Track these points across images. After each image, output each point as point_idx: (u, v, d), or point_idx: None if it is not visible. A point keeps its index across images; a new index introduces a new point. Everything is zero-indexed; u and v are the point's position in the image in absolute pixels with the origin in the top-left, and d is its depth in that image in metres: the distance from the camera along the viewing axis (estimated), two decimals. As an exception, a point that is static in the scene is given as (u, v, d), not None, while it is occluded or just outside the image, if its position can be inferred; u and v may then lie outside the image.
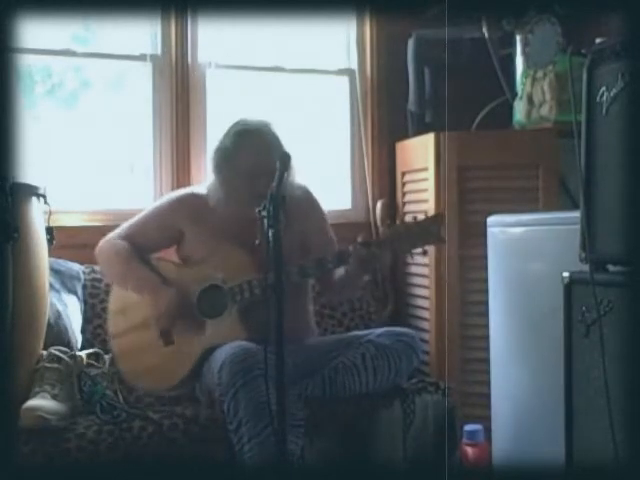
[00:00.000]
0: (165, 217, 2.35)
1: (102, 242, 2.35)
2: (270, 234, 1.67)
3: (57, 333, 2.27)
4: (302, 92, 3.13)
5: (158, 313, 2.21)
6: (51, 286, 2.27)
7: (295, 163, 2.24)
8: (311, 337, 2.40)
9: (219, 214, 2.28)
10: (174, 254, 2.39)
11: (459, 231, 2.66)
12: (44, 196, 2.15)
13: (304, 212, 2.34)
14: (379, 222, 3.02)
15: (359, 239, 2.15)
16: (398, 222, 2.18)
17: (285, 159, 1.82)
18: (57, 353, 2.10)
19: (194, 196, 2.36)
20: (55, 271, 2.39)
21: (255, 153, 2.23)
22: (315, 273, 2.23)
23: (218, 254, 2.24)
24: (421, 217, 2.15)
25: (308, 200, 2.41)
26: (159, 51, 2.85)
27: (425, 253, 2.17)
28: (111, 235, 2.35)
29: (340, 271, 2.29)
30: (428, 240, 2.12)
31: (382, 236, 2.19)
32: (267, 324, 1.65)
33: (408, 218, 2.19)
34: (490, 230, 2.32)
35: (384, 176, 3.10)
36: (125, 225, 2.38)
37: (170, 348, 2.23)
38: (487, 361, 2.35)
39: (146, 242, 2.33)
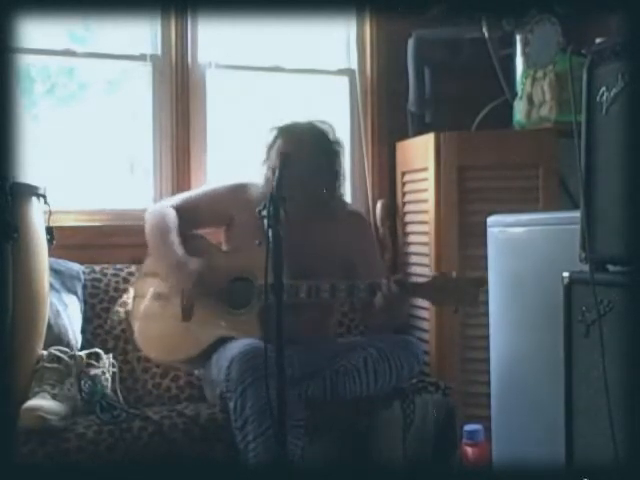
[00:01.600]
0: (219, 200, 2.42)
1: (153, 207, 2.42)
2: (270, 234, 1.67)
3: (57, 333, 2.28)
4: (302, 92, 3.13)
5: (181, 289, 2.25)
6: (51, 286, 2.27)
7: (343, 183, 2.38)
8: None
9: None
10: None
11: (459, 231, 2.66)
12: (44, 196, 2.15)
13: (355, 239, 2.41)
14: (379, 222, 3.02)
15: (395, 276, 2.16)
16: (439, 273, 2.16)
17: (285, 159, 1.82)
18: (57, 353, 2.10)
19: (248, 187, 2.39)
20: (55, 271, 2.39)
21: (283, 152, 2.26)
22: (343, 296, 2.22)
23: (257, 249, 2.24)
24: (467, 276, 2.15)
25: (360, 225, 2.48)
26: (159, 51, 2.85)
27: (456, 311, 2.15)
28: (164, 201, 2.44)
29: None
30: (464, 300, 2.10)
31: (419, 282, 2.20)
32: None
33: (451, 273, 2.15)
34: (490, 230, 2.32)
35: (384, 176, 3.10)
36: (181, 196, 2.47)
37: (187, 324, 2.26)
38: (487, 361, 2.35)
39: (195, 217, 2.40)
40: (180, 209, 2.38)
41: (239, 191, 2.40)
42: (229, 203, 2.40)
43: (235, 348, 2.07)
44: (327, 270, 2.26)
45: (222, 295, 2.25)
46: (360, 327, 2.75)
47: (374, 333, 2.56)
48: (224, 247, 2.43)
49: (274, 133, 2.32)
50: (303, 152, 2.24)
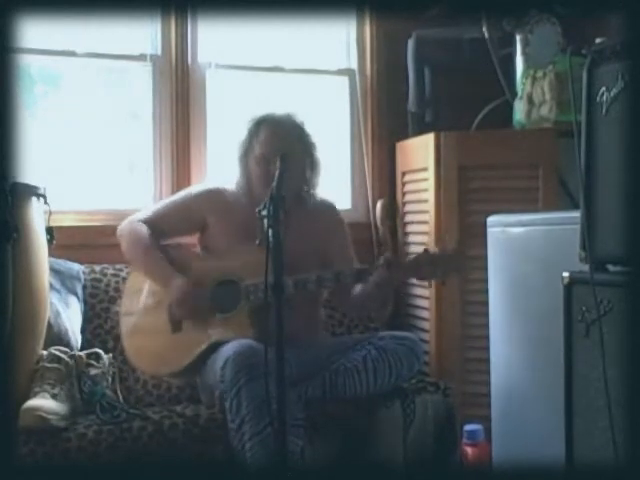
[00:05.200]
0: (190, 206, 2.39)
1: (124, 223, 2.37)
2: (270, 234, 1.67)
3: (57, 333, 2.28)
4: (302, 92, 3.13)
5: (170, 302, 2.23)
6: (51, 286, 2.27)
7: (322, 176, 2.37)
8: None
9: (244, 211, 2.27)
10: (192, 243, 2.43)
11: (459, 231, 2.66)
12: (44, 196, 2.15)
13: (330, 228, 2.42)
14: (379, 222, 3.02)
15: (381, 260, 2.15)
16: (422, 251, 2.17)
17: (285, 158, 1.82)
18: (57, 353, 2.10)
19: (222, 190, 2.39)
20: (55, 271, 2.39)
21: (269, 137, 2.27)
22: (332, 285, 2.24)
23: (238, 250, 2.25)
24: (446, 249, 2.18)
25: (335, 217, 2.47)
26: (159, 51, 2.85)
27: (443, 283, 2.22)
28: (134, 217, 2.38)
29: (358, 287, 2.30)
30: (448, 272, 2.15)
31: (405, 261, 2.21)
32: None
33: (430, 248, 2.21)
34: (490, 230, 2.32)
35: (384, 176, 3.10)
36: (150, 209, 2.42)
37: (177, 335, 2.24)
38: (487, 361, 2.35)
39: (167, 227, 2.36)
40: (149, 222, 2.35)
41: (210, 195, 2.39)
42: (201, 208, 2.37)
43: (228, 349, 2.06)
44: (306, 264, 2.24)
45: (209, 300, 2.23)
46: (360, 327, 2.74)
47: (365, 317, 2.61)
48: (200, 252, 2.39)
49: (253, 124, 2.32)
50: (287, 142, 2.25)
